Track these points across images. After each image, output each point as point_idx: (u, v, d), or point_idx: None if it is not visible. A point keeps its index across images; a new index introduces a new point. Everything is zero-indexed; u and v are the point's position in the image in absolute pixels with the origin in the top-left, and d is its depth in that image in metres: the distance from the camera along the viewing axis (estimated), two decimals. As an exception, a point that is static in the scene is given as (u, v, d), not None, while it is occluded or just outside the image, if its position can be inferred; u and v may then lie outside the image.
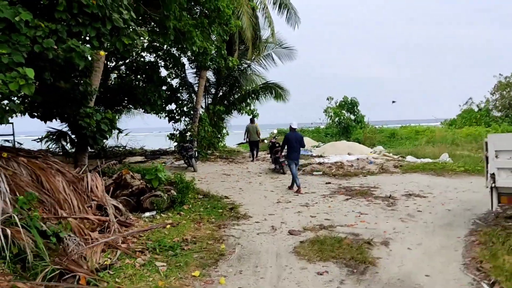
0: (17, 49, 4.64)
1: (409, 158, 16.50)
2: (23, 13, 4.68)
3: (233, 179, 13.65)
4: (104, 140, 13.76)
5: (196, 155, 16.03)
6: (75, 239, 5.42)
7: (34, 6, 5.21)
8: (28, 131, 19.47)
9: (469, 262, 5.66)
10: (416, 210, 8.61)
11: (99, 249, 5.48)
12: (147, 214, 8.07)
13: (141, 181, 8.78)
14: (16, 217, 4.77)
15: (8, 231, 4.62)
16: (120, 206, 7.57)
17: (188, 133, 20.09)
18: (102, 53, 6.15)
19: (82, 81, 9.17)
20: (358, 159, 16.09)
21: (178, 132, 20.87)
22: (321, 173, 13.96)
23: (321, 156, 18.40)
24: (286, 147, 11.34)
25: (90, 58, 5.74)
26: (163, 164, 17.53)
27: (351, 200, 9.70)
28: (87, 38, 5.56)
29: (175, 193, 8.72)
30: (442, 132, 26.39)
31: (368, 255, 5.85)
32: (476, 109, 34.12)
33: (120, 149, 25.59)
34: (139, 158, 19.17)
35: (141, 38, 7.29)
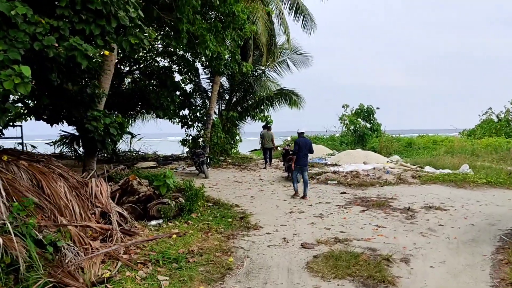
0: (13, 46, 4.38)
1: (428, 169, 15.90)
2: (19, 7, 4.41)
3: (245, 186, 13.28)
4: (115, 145, 13.76)
5: (208, 161, 15.71)
6: (74, 249, 5.09)
7: (35, 1, 4.95)
8: (45, 134, 19.49)
9: (498, 284, 5.17)
10: (438, 224, 8.10)
11: (98, 260, 5.15)
12: (153, 222, 7.74)
13: (149, 187, 8.48)
14: (9, 224, 4.47)
15: (0, 240, 4.31)
16: (125, 213, 7.26)
17: (201, 139, 19.83)
18: (107, 52, 5.89)
19: (90, 84, 8.93)
20: (374, 168, 15.57)
21: (190, 137, 20.63)
22: (335, 182, 13.50)
23: (335, 165, 17.91)
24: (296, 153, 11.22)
25: (94, 58, 5.44)
26: (174, 170, 17.30)
27: (367, 212, 9.23)
28: (91, 36, 5.28)
29: (183, 201, 8.39)
30: (461, 142, 25.61)
31: (387, 274, 5.40)
32: (496, 120, 33.22)
33: (133, 154, 25.53)
34: (150, 164, 18.94)
35: (149, 38, 6.96)
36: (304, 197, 10.94)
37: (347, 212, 9.19)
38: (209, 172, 16.27)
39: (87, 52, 4.88)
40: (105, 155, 23.17)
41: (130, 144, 25.88)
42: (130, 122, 24.77)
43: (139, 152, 25.63)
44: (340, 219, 8.58)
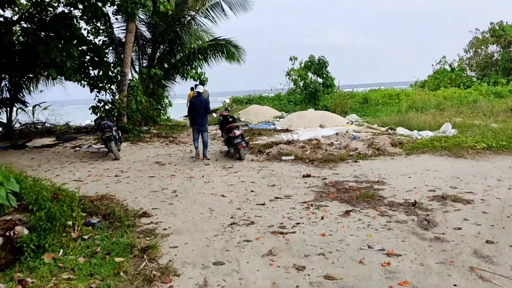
0: None
1: (401, 130, 12.87)
2: None
3: (168, 171, 9.43)
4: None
5: (118, 136, 11.57)
6: None
7: None
8: None
9: None
10: (479, 236, 4.80)
11: None
12: None
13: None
14: None
15: None
16: None
17: (109, 106, 15.44)
18: None
19: None
20: (337, 134, 12.23)
21: (102, 104, 16.13)
22: (292, 157, 9.99)
23: (287, 131, 14.41)
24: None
25: None
26: (77, 149, 13.00)
27: (353, 214, 5.77)
28: None
29: (25, 232, 4.41)
30: (421, 95, 23.07)
31: None
32: (449, 69, 31.25)
33: (37, 126, 20.60)
34: (48, 141, 14.42)
35: None
36: (204, 158, 10.63)
37: (322, 219, 5.67)
38: (124, 150, 12.19)
39: None
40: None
41: (33, 114, 20.90)
42: (32, 87, 19.68)
43: (46, 124, 20.76)
44: (316, 236, 5.03)
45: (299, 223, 5.53)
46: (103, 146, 11.88)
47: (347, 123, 15.84)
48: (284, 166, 9.35)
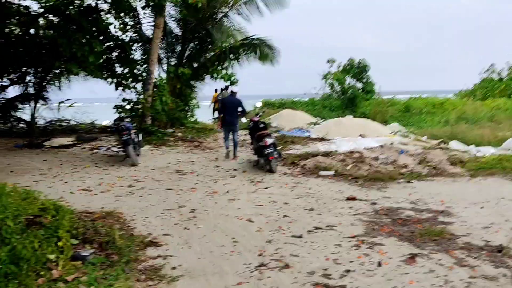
0: None
1: (455, 145, 11.27)
2: None
3: (189, 182, 8.25)
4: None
5: (138, 140, 10.50)
6: None
7: None
8: None
9: None
10: None
11: None
12: None
13: None
14: None
15: None
16: None
17: (139, 106, 14.43)
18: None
19: None
20: (382, 146, 10.75)
21: (126, 103, 15.19)
22: (332, 173, 8.62)
23: (323, 139, 13.02)
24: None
25: None
26: (95, 151, 12.04)
27: (420, 260, 4.38)
28: None
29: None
30: (466, 105, 21.16)
31: None
32: (496, 78, 29.01)
33: (64, 124, 19.95)
34: (66, 141, 13.57)
35: None
36: (234, 157, 10.55)
37: (379, 265, 4.29)
38: (144, 154, 11.15)
39: None
40: (22, 127, 17.63)
41: (58, 111, 20.27)
42: (58, 83, 19.02)
43: (71, 122, 20.08)
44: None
45: (349, 270, 4.18)
46: (122, 149, 10.84)
47: (391, 133, 14.30)
48: (322, 183, 7.99)
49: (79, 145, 12.98)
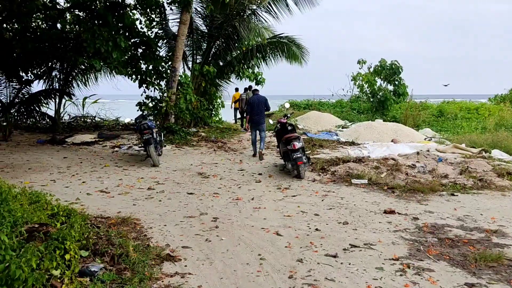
0: None
1: (499, 154, 10.42)
2: None
3: (211, 187, 7.75)
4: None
5: (159, 139, 10.10)
6: None
7: None
8: None
9: None
10: None
11: None
12: None
13: None
14: None
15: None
16: None
17: (163, 104, 14.04)
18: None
19: None
20: (418, 153, 10.01)
21: (149, 100, 14.87)
22: (366, 181, 7.97)
23: (354, 144, 12.34)
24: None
25: None
26: (116, 149, 11.71)
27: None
28: None
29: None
30: (505, 111, 19.99)
31: None
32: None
33: (88, 120, 19.92)
34: (88, 137, 13.31)
35: None
36: (261, 154, 10.50)
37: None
38: (166, 154, 10.75)
39: None
40: (47, 122, 17.57)
41: (83, 108, 20.20)
42: (84, 79, 18.88)
43: (96, 119, 19.99)
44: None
45: (396, 304, 3.57)
46: (143, 149, 10.46)
47: (425, 139, 13.48)
48: (355, 192, 7.35)
49: (100, 143, 12.70)
